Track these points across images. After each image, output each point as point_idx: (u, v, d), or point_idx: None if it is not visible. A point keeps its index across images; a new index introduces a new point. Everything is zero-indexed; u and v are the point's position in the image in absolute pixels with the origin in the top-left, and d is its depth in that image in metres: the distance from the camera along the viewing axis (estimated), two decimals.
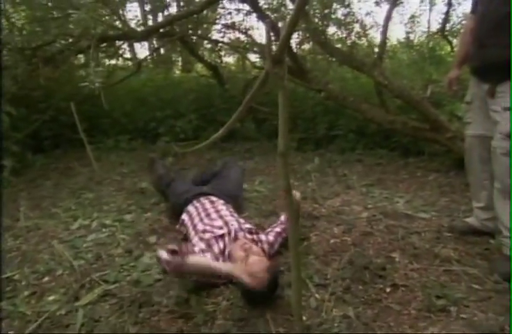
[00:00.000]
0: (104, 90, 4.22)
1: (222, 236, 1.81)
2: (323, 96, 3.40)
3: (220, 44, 5.13)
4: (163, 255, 1.47)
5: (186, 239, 2.04)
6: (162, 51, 6.58)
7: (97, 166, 3.51)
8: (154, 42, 6.26)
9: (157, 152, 3.95)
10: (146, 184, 3.03)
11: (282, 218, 2.02)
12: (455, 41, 4.61)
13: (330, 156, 3.65)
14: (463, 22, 4.24)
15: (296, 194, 1.94)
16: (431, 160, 3.48)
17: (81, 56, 4.67)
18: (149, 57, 5.78)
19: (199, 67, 6.38)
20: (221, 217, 1.98)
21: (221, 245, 1.76)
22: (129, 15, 5.55)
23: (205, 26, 5.41)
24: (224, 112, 4.47)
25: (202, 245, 1.76)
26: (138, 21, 5.32)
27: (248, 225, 1.97)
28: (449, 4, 3.93)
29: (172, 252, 1.48)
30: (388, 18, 3.34)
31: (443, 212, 2.42)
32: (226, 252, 1.72)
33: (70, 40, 3.66)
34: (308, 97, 4.11)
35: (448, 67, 3.94)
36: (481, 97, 1.83)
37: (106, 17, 4.10)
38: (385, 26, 3.37)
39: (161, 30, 4.06)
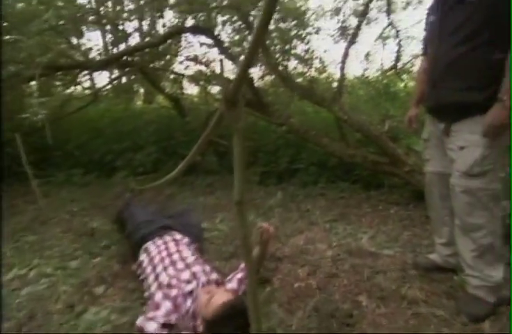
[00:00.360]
0: (57, 120, 4.04)
1: (190, 293, 1.59)
2: (284, 130, 3.40)
3: (181, 76, 5.10)
4: (152, 328, 1.29)
5: (142, 280, 1.83)
6: (124, 80, 6.48)
7: (44, 203, 3.24)
8: (116, 71, 6.17)
9: (114, 187, 3.73)
10: (97, 223, 2.80)
11: (243, 265, 1.87)
12: (406, 77, 4.90)
13: (292, 190, 3.61)
14: (413, 61, 4.52)
15: (270, 228, 1.81)
16: (391, 192, 3.52)
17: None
18: (107, 87, 5.64)
19: (161, 98, 6.32)
20: (188, 267, 1.76)
21: (188, 303, 1.55)
22: (90, 44, 5.40)
23: (168, 57, 5.41)
24: (184, 145, 4.36)
25: (169, 305, 1.51)
26: (98, 50, 5.23)
27: (214, 275, 1.77)
28: (399, 44, 4.19)
29: (164, 325, 1.31)
30: (345, 55, 3.47)
31: (406, 247, 2.41)
32: (191, 311, 1.53)
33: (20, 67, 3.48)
34: (270, 130, 4.11)
35: (402, 101, 4.15)
36: (437, 136, 1.86)
37: (62, 46, 3.97)
38: (343, 63, 3.50)
39: (122, 59, 4.00)
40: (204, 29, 3.67)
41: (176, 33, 3.69)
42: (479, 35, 1.55)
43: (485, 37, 1.55)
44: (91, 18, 4.50)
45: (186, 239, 2.05)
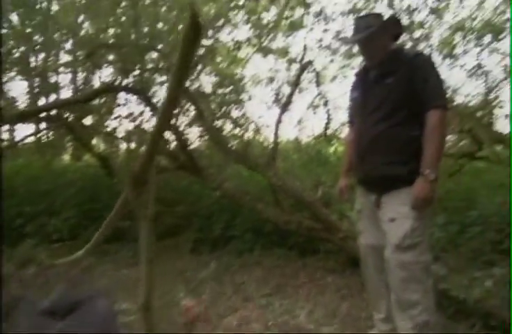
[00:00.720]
0: None
1: None
2: (219, 194, 3.28)
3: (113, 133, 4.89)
4: None
5: None
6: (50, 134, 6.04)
7: None
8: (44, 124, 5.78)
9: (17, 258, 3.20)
10: None
11: None
12: (335, 143, 5.19)
13: (227, 259, 3.37)
14: (341, 128, 4.84)
15: (197, 309, 1.55)
16: (327, 258, 3.45)
17: None
18: (28, 140, 5.18)
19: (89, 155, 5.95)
20: None
21: None
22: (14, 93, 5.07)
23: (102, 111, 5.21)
24: (110, 208, 3.99)
25: None
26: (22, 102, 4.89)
27: None
28: (328, 113, 4.51)
29: None
30: (279, 121, 3.59)
31: (346, 322, 2.29)
32: None
33: None
34: (205, 194, 3.95)
35: (333, 166, 4.31)
36: (370, 207, 1.87)
37: None
38: (276, 128, 3.60)
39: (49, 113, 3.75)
40: (135, 89, 3.61)
41: (105, 91, 3.57)
42: (397, 114, 1.66)
43: (403, 116, 1.66)
44: (16, 68, 4.29)
45: None
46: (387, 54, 1.76)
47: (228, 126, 3.92)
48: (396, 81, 1.69)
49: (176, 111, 4.30)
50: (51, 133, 5.82)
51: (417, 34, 4.17)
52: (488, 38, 4.23)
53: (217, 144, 3.45)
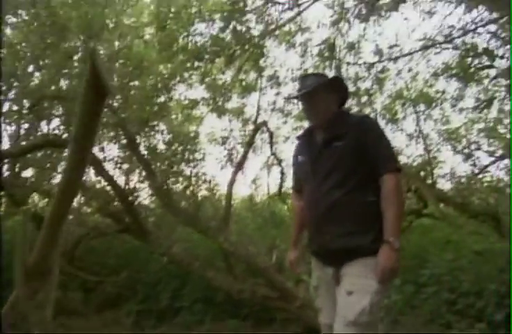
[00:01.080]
0: None
1: None
2: (166, 261, 3.00)
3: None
4: None
5: None
6: None
7: None
8: None
9: None
10: None
11: None
12: (290, 202, 5.15)
13: None
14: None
15: None
16: (285, 327, 3.19)
17: None
18: None
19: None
20: None
21: None
22: None
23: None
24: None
25: None
26: None
27: None
28: (282, 172, 4.53)
29: None
30: (232, 181, 3.49)
31: None
32: None
33: None
34: (151, 258, 3.62)
35: (287, 225, 4.20)
36: (327, 281, 1.73)
37: None
38: (230, 189, 3.49)
39: None
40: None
41: (42, 145, 3.33)
42: (351, 179, 1.59)
43: (356, 181, 1.59)
44: None
45: None
46: (333, 115, 1.73)
47: (180, 185, 3.75)
48: (346, 145, 1.63)
49: (125, 168, 4.12)
50: None
51: (363, 100, 4.47)
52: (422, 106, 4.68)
53: (166, 204, 3.25)
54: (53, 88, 4.10)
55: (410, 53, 3.73)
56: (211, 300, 3.25)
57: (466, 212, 4.51)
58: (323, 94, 1.71)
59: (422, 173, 4.43)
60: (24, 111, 4.38)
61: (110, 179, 3.18)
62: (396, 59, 3.81)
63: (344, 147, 1.63)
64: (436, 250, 3.99)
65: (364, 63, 3.92)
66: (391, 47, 3.71)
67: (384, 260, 1.48)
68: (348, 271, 1.58)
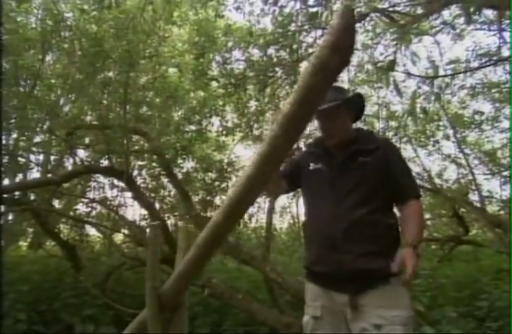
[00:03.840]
0: None
1: None
2: (207, 293, 2.83)
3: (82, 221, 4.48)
4: None
5: None
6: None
7: None
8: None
9: None
10: None
11: None
12: None
13: None
14: None
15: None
16: None
17: None
18: None
19: (51, 243, 5.35)
20: None
21: None
22: None
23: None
24: (72, 309, 3.39)
25: None
26: None
27: None
28: None
29: None
30: (271, 210, 3.37)
31: None
32: None
33: None
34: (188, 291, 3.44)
35: None
36: (334, 311, 1.50)
37: None
38: (270, 216, 3.37)
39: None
40: (117, 171, 3.36)
41: (84, 172, 3.32)
42: (374, 198, 1.51)
43: (380, 201, 1.52)
44: None
45: None
46: (355, 131, 1.66)
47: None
48: (373, 161, 1.53)
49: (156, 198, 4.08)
50: (9, 217, 5.28)
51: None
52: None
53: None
54: (88, 117, 4.19)
55: (470, 70, 3.67)
56: None
57: None
58: (344, 111, 1.62)
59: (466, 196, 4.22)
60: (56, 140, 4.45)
61: (148, 204, 3.11)
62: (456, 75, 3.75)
63: (371, 162, 1.53)
64: (488, 279, 3.71)
65: (426, 77, 3.80)
66: (450, 63, 3.67)
67: (405, 256, 1.38)
68: (372, 302, 1.41)
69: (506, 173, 4.69)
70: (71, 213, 4.81)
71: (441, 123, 4.47)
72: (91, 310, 3.44)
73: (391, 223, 1.51)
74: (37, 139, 4.97)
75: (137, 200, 3.64)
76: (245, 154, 5.08)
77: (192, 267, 0.59)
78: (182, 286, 0.58)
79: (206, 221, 3.08)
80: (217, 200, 3.88)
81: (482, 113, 4.33)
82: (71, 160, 4.72)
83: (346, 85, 4.06)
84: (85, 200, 4.71)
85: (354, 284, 1.44)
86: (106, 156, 3.43)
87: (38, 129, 4.63)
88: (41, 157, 5.39)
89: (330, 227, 1.51)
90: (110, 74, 3.79)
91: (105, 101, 3.61)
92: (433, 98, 3.98)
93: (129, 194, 4.60)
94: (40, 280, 3.86)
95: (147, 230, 3.46)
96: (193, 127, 3.83)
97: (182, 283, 0.58)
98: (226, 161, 4.10)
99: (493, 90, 3.90)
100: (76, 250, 4.11)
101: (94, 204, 4.70)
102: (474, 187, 4.49)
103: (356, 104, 1.70)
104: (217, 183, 3.68)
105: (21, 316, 3.29)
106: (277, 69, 3.38)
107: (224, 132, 3.92)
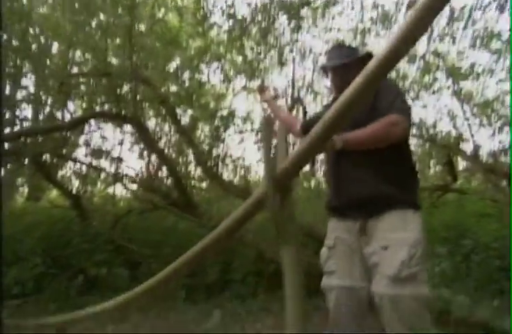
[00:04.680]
0: None
1: None
2: None
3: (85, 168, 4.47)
4: None
5: None
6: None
7: None
8: None
9: None
10: None
11: None
12: None
13: (230, 306, 2.99)
14: None
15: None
16: None
17: None
18: None
19: (53, 194, 5.37)
20: None
21: None
22: None
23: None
24: (84, 254, 3.52)
25: None
26: None
27: None
28: None
29: None
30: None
31: None
32: None
33: None
34: (193, 233, 3.58)
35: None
36: (348, 243, 1.60)
37: None
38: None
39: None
40: (127, 117, 3.29)
41: (92, 117, 3.27)
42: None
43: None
44: None
45: None
46: None
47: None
48: (375, 107, 1.57)
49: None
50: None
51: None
52: None
53: (213, 180, 3.21)
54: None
55: None
56: (262, 272, 3.24)
57: None
58: (356, 69, 1.57)
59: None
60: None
61: (159, 151, 3.13)
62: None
63: (375, 109, 1.56)
64: (472, 222, 3.98)
65: None
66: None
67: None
68: (379, 226, 1.51)
69: (498, 124, 4.83)
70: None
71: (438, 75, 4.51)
72: (103, 255, 3.58)
73: (400, 153, 1.57)
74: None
75: (148, 146, 3.61)
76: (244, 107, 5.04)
77: (308, 152, 0.63)
78: (296, 170, 0.63)
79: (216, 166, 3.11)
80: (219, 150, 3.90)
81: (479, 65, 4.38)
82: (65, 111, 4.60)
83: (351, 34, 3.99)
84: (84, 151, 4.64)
85: (363, 210, 1.54)
86: (112, 104, 3.34)
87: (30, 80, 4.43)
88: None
89: (343, 164, 1.63)
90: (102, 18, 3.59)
91: (103, 47, 3.45)
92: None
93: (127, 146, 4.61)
94: (47, 230, 3.94)
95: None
96: (196, 75, 3.73)
97: (296, 167, 0.63)
98: (227, 110, 4.08)
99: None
100: (81, 200, 4.17)
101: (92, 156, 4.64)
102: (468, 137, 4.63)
103: (365, 63, 1.73)
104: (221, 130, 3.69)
105: (37, 261, 3.42)
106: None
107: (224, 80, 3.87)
